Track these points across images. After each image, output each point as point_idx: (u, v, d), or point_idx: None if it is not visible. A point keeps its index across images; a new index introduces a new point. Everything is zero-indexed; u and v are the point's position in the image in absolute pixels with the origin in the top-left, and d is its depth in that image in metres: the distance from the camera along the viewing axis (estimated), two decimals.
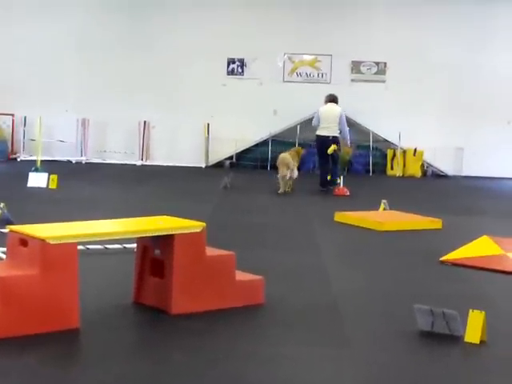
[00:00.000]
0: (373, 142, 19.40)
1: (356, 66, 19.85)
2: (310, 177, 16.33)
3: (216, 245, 6.38)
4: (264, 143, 19.58)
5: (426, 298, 6.34)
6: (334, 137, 14.89)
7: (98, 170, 17.82)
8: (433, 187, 17.39)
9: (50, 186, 13.47)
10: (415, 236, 10.06)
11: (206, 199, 13.01)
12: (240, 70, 20.01)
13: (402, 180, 18.67)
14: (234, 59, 19.98)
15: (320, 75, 19.90)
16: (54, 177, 13.58)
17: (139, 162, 19.63)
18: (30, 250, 5.28)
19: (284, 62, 19.95)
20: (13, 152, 19.74)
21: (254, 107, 19.57)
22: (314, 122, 15.27)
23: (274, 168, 18.67)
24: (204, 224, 5.99)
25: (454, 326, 5.49)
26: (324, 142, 14.85)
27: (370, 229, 10.37)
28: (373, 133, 19.29)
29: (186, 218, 6.31)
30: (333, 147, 14.69)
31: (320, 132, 15.00)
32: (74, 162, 19.28)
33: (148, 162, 19.75)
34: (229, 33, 19.62)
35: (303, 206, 12.80)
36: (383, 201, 11.84)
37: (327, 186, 14.82)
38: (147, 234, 5.87)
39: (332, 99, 15.29)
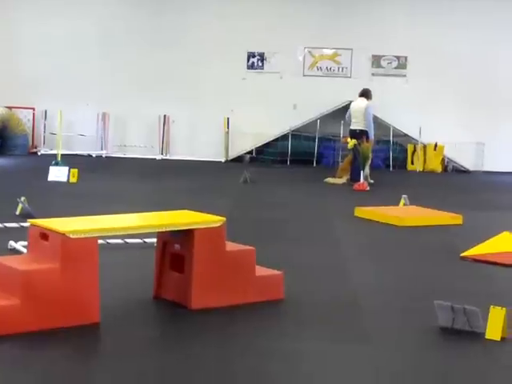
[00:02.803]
0: (393, 136, 19.33)
1: (376, 60, 19.77)
2: (330, 171, 16.26)
3: (236, 239, 6.38)
4: (284, 137, 19.54)
5: (446, 294, 6.31)
6: (360, 130, 15.15)
7: (118, 164, 17.87)
8: (453, 182, 17.31)
9: (70, 180, 13.52)
10: (435, 232, 10.01)
11: (226, 193, 13.01)
12: (260, 63, 19.98)
13: (422, 175, 18.60)
14: (254, 53, 19.95)
15: (340, 69, 19.84)
16: (75, 171, 13.62)
17: (159, 157, 19.66)
18: (50, 243, 5.30)
19: (304, 56, 19.90)
20: (33, 146, 19.81)
21: (273, 101, 19.53)
22: (346, 116, 15.86)
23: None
24: (224, 219, 5.98)
25: (474, 323, 5.45)
26: (352, 135, 15.20)
27: (390, 224, 10.32)
28: (393, 127, 19.22)
29: (205, 212, 6.30)
30: (352, 142, 14.87)
31: (351, 126, 15.48)
32: (94, 156, 19.34)
33: (168, 157, 19.77)
34: (249, 27, 19.59)
35: (323, 201, 12.78)
36: (403, 196, 11.80)
37: (356, 179, 14.74)
38: (167, 229, 5.87)
39: (361, 93, 15.64)
